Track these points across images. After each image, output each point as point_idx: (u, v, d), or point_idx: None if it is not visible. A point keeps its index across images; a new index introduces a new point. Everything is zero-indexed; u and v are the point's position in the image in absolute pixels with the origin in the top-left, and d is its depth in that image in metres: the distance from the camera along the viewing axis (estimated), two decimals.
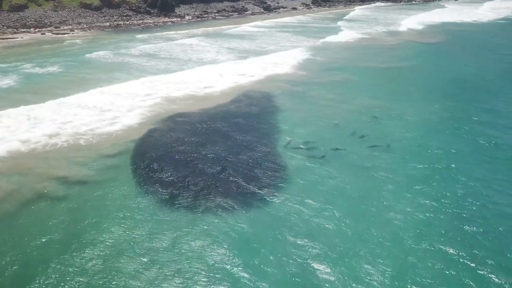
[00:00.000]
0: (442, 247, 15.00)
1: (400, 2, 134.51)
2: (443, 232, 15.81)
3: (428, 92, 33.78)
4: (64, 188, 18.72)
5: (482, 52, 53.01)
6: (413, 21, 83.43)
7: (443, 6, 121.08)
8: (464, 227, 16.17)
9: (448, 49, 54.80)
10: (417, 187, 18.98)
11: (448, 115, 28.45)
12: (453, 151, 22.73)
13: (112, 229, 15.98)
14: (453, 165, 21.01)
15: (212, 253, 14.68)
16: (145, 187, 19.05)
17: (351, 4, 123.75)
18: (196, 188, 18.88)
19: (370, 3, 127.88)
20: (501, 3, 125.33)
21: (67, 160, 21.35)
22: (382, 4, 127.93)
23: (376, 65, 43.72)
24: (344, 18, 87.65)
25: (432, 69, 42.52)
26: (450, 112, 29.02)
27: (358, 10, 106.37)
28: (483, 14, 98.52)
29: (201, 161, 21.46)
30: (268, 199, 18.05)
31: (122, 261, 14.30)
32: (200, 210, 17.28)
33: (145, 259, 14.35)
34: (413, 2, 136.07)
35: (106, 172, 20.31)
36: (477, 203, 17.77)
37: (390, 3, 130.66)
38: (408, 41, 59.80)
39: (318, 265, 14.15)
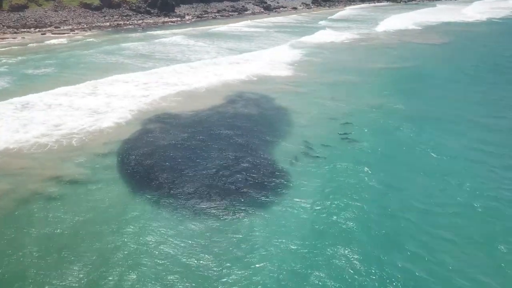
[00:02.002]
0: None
1: (400, 1, 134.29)
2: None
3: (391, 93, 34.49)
4: (57, 186, 19.19)
5: (463, 51, 53.91)
6: (399, 20, 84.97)
7: (435, 6, 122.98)
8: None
9: (423, 49, 55.26)
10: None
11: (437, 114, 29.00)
12: (449, 154, 23.05)
13: (105, 228, 16.35)
14: (444, 168, 21.48)
15: (195, 255, 14.98)
16: (137, 186, 19.37)
17: (351, 4, 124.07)
18: (186, 189, 19.19)
19: (370, 3, 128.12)
20: (490, 3, 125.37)
21: (59, 159, 21.78)
22: (381, 3, 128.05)
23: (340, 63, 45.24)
24: (328, 18, 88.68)
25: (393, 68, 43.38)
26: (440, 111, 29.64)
27: (348, 10, 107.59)
28: (471, 14, 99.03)
29: (193, 161, 21.75)
30: (260, 206, 18.09)
31: (111, 260, 14.63)
32: (189, 211, 17.55)
33: (135, 256, 14.72)
34: (413, 1, 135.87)
35: (98, 171, 20.64)
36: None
37: (390, 3, 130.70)
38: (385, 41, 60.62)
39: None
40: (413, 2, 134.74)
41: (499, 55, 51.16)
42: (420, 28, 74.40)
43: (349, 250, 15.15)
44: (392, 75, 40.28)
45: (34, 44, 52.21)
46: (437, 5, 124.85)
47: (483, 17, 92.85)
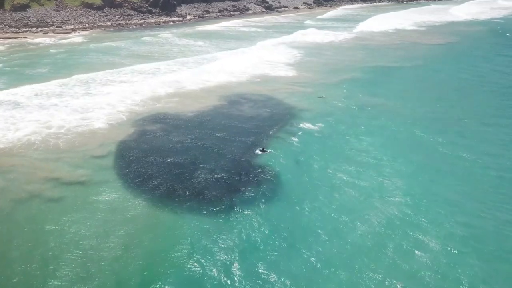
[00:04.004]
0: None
1: (402, 1, 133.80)
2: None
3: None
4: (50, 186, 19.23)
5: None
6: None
7: (428, 4, 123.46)
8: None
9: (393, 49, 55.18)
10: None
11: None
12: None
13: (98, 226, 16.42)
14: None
15: (195, 252, 15.07)
16: (132, 187, 19.30)
17: (353, 3, 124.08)
18: (182, 189, 19.19)
19: (372, 2, 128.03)
20: (480, 4, 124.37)
21: (53, 158, 21.76)
22: (382, 3, 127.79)
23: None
24: (317, 17, 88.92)
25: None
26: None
27: (341, 10, 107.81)
28: (458, 14, 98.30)
29: (189, 162, 21.65)
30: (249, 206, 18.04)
31: (107, 261, 14.66)
32: (183, 213, 17.57)
33: (130, 256, 14.83)
34: (414, 1, 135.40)
35: (89, 169, 20.58)
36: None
37: (392, 2, 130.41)
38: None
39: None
40: (414, 1, 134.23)
41: (479, 55, 51.54)
42: (393, 29, 73.31)
43: None
44: (362, 73, 40.74)
45: (28, 44, 52.31)
46: (431, 4, 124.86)
47: (469, 17, 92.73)
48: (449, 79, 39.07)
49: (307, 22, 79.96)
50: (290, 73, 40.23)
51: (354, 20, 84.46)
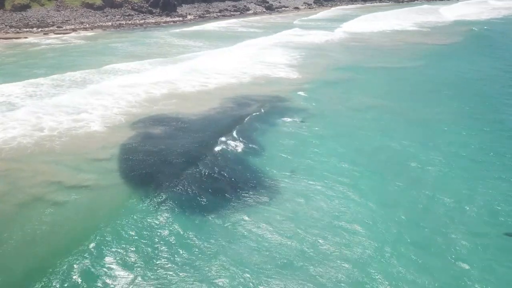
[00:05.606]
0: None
1: (402, 1, 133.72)
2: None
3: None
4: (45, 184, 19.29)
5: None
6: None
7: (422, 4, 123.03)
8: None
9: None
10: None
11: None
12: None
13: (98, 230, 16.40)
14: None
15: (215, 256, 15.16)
16: (138, 190, 19.31)
17: (353, 3, 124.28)
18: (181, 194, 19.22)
19: (372, 2, 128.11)
20: (473, 5, 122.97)
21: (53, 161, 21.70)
22: (382, 3, 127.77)
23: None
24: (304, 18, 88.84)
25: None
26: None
27: (336, 10, 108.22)
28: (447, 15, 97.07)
29: (189, 165, 21.56)
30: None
31: (109, 267, 14.63)
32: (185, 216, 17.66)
33: (134, 262, 14.81)
34: (416, 1, 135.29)
35: (84, 172, 20.48)
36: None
37: (392, 2, 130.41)
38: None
39: None
40: (415, 1, 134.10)
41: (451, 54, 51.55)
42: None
43: None
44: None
45: (37, 46, 52.69)
46: (424, 4, 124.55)
47: (466, 18, 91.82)
48: (447, 80, 39.03)
49: (298, 22, 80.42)
50: (283, 69, 40.65)
51: (345, 20, 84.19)
